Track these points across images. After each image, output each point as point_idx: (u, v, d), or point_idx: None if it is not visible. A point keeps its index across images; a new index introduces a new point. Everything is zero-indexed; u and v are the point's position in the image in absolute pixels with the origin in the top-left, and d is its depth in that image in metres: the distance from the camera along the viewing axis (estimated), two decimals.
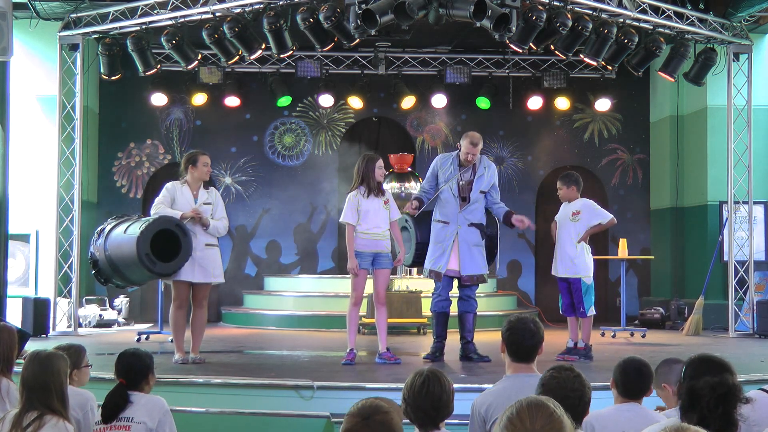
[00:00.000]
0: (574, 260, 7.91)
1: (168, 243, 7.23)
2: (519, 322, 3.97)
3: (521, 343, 3.91)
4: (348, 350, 7.55)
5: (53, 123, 11.01)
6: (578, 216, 7.94)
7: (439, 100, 13.06)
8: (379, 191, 7.56)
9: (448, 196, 7.85)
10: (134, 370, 4.22)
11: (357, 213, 7.49)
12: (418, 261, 8.36)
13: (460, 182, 7.84)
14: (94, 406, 4.27)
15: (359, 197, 7.51)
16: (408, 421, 3.36)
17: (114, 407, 4.07)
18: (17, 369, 4.80)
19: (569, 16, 9.88)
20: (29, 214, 11.34)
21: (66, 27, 10.76)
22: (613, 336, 10.34)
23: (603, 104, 13.15)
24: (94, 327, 11.26)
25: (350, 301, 7.71)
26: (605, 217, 8.03)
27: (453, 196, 7.83)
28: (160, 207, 7.51)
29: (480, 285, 8.02)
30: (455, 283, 7.94)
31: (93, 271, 7.75)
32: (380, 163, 7.62)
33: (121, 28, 10.67)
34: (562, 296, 8.08)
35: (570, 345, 8.03)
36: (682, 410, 3.04)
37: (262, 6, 10.12)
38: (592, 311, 7.93)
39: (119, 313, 11.84)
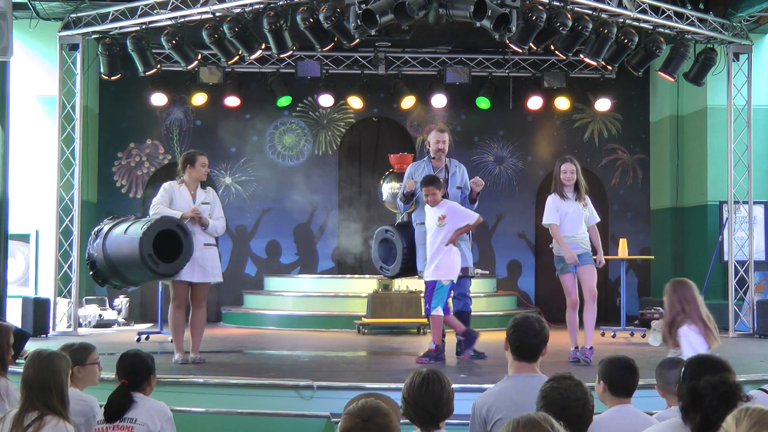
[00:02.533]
0: (440, 264, 7.75)
1: (167, 243, 7.22)
2: (524, 320, 3.95)
3: (525, 342, 3.89)
4: (573, 348, 7.75)
5: (53, 123, 11.00)
6: (444, 221, 7.75)
7: (439, 100, 13.06)
8: (579, 195, 7.78)
9: None
10: (136, 371, 4.23)
11: (557, 214, 7.72)
12: (405, 269, 8.36)
13: None
14: (98, 412, 4.26)
15: (558, 200, 7.76)
16: (408, 420, 3.36)
17: (118, 407, 4.08)
18: (19, 369, 4.81)
19: (569, 16, 9.87)
20: (29, 214, 11.34)
21: (66, 27, 10.75)
22: (613, 336, 10.34)
23: (603, 104, 13.15)
24: (94, 327, 11.25)
25: (568, 305, 7.77)
26: (472, 218, 7.84)
27: None
28: (159, 207, 7.51)
29: (473, 282, 8.06)
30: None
31: (90, 272, 7.73)
32: (564, 167, 7.80)
33: (121, 28, 10.67)
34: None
35: (431, 347, 7.81)
36: (683, 411, 3.04)
37: (262, 6, 10.12)
38: (437, 311, 7.63)
39: (119, 313, 11.84)
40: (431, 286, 7.69)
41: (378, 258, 8.62)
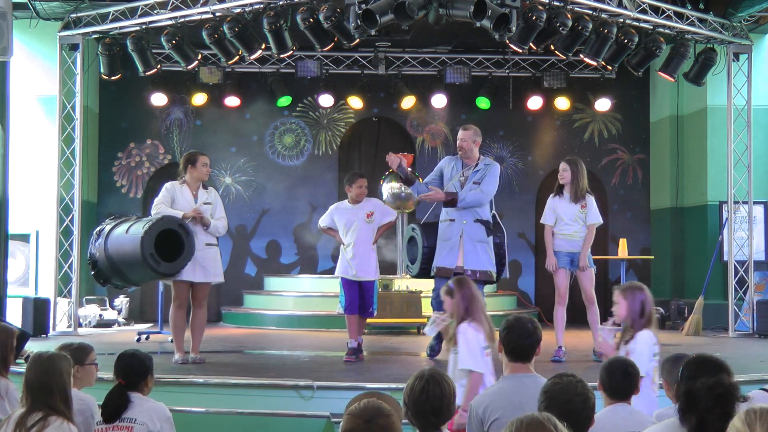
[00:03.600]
0: (372, 263, 7.92)
1: (169, 243, 7.23)
2: (517, 321, 4.00)
3: (519, 343, 3.94)
4: (557, 348, 7.95)
5: (53, 123, 11.01)
6: (372, 218, 7.86)
7: (439, 100, 13.06)
8: (575, 196, 8.04)
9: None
10: (134, 371, 4.23)
11: (552, 214, 8.13)
12: (425, 268, 8.18)
13: (461, 179, 7.98)
14: (96, 411, 4.26)
15: (554, 200, 8.17)
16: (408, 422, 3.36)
17: (115, 407, 4.08)
18: (20, 369, 4.82)
19: (569, 16, 9.87)
20: (29, 214, 11.34)
21: (66, 27, 10.76)
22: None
23: (603, 104, 13.15)
24: (94, 327, 11.26)
25: (556, 300, 8.07)
26: (393, 214, 8.08)
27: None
28: (160, 207, 7.52)
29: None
30: None
31: (92, 272, 7.74)
32: (560, 166, 8.21)
33: (121, 28, 10.68)
34: (350, 296, 7.91)
35: (353, 345, 7.93)
36: (680, 412, 3.04)
37: (262, 6, 10.12)
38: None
39: (119, 313, 11.85)
40: (371, 286, 7.97)
41: (406, 256, 8.71)
